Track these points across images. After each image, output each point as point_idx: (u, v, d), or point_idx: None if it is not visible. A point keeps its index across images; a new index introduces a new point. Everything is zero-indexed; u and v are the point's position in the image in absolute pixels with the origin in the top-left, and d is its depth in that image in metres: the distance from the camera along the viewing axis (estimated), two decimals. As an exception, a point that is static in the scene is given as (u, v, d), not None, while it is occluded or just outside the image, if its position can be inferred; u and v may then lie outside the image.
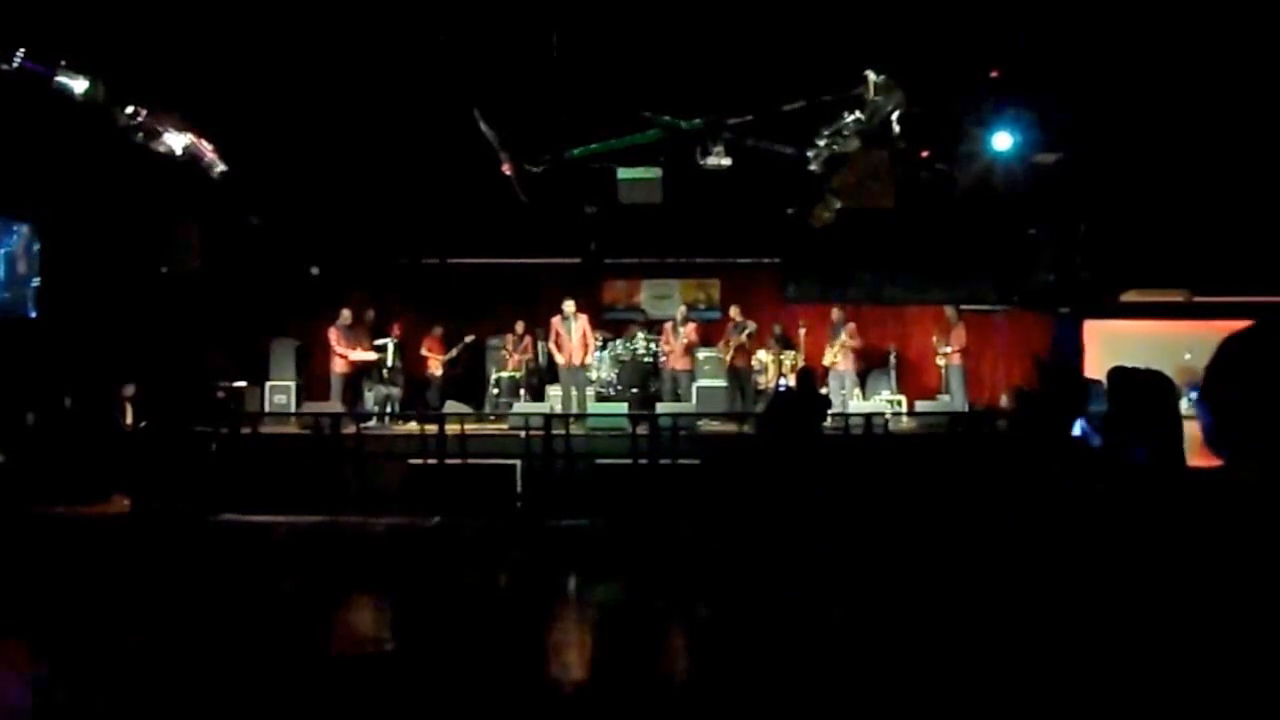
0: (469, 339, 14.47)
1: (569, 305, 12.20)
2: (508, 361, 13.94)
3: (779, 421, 8.31)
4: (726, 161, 10.39)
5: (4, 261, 11.60)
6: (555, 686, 5.33)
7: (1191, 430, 1.50)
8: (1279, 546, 1.19)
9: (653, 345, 13.75)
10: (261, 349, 13.84)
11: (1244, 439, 1.28)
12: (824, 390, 13.53)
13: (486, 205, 12.53)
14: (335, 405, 12.11)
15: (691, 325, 13.36)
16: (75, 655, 5.56)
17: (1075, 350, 12.84)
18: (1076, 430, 3.63)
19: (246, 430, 11.69)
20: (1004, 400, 13.17)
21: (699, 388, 12.89)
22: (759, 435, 10.72)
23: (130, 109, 9.64)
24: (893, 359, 14.33)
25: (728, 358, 13.43)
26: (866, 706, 4.85)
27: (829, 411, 10.47)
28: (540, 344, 14.05)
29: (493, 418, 13.25)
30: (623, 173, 11.38)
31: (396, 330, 13.61)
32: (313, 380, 13.88)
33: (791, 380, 13.20)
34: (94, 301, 12.24)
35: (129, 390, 12.41)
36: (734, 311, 13.63)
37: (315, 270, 14.40)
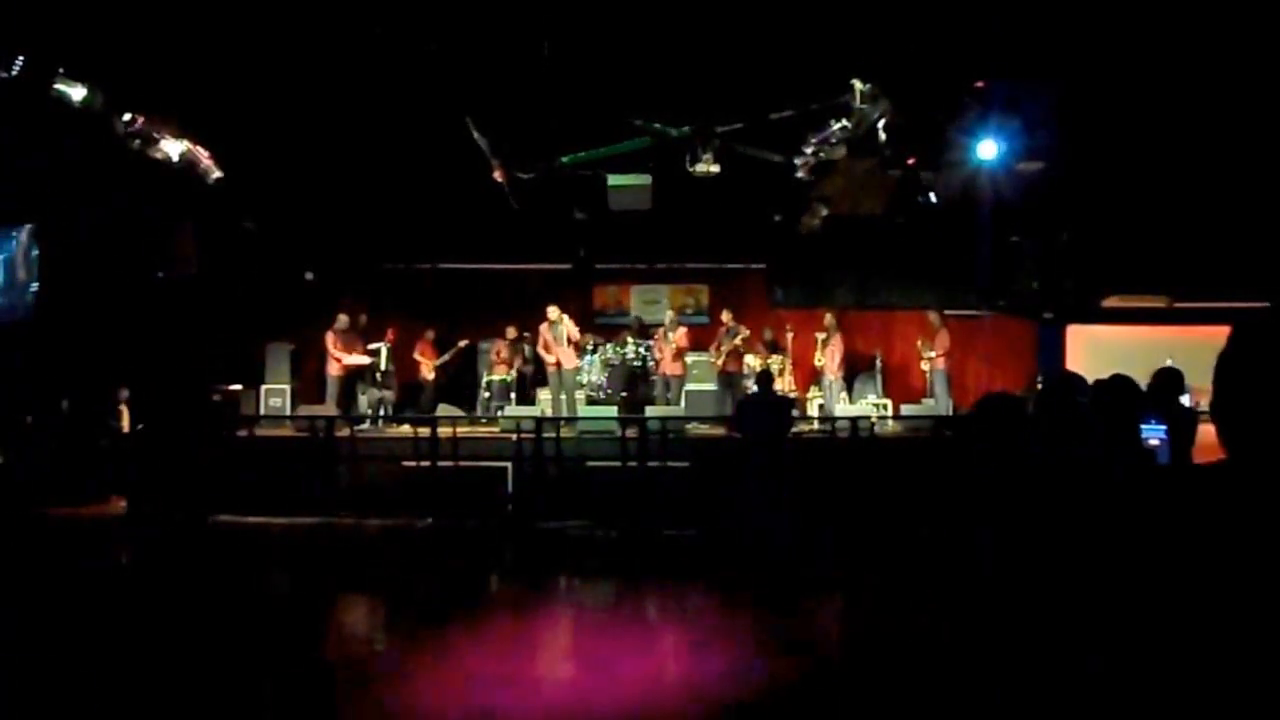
0: (463, 344, 14.61)
1: (553, 311, 12.28)
2: (498, 365, 14.06)
3: (747, 423, 8.49)
4: (715, 169, 10.51)
5: (3, 266, 11.69)
6: (544, 686, 5.43)
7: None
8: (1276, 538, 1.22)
9: (643, 350, 13.86)
10: (257, 353, 13.91)
11: (1247, 437, 1.32)
12: (819, 392, 13.76)
13: (479, 211, 12.66)
14: (329, 408, 12.19)
15: (682, 330, 13.46)
16: (71, 655, 5.63)
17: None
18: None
19: (242, 433, 11.79)
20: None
21: (688, 391, 13.00)
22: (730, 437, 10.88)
23: (128, 116, 9.77)
24: (879, 363, 14.47)
25: (720, 361, 13.54)
26: (860, 705, 4.95)
27: (793, 413, 10.59)
28: (528, 348, 14.19)
29: (484, 421, 13.37)
30: (613, 179, 11.50)
31: (390, 335, 13.72)
32: (307, 384, 13.96)
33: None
34: (92, 306, 12.31)
35: (126, 393, 12.51)
36: (726, 316, 13.73)
37: (310, 275, 14.50)
